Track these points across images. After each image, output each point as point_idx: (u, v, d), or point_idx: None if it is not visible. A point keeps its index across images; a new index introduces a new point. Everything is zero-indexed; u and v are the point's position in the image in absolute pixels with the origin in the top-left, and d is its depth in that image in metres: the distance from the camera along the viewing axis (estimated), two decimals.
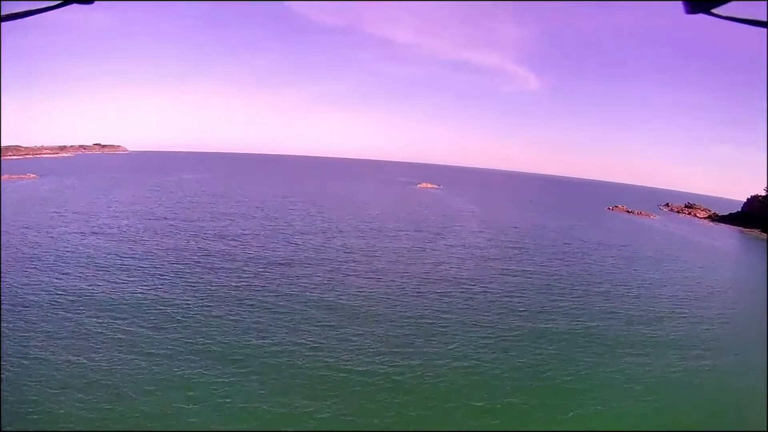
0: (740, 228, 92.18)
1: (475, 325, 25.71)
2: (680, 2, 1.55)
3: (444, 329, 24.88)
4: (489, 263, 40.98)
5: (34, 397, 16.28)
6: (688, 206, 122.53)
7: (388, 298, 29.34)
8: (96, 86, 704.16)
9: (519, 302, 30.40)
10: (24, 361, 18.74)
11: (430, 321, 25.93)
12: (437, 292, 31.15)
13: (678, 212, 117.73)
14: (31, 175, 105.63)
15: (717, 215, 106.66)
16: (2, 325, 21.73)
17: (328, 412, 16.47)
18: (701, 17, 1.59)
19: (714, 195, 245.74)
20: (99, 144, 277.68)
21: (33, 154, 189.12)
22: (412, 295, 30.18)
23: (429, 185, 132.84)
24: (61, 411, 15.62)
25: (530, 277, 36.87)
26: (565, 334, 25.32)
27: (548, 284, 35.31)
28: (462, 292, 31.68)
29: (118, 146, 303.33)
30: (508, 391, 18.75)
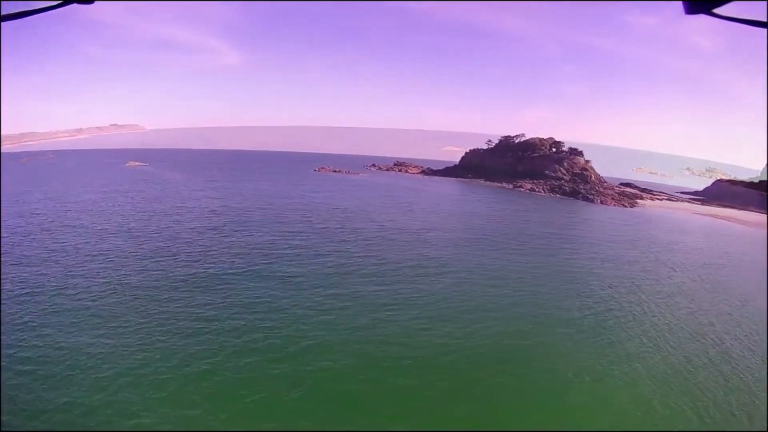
0: (456, 178, 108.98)
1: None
2: (680, 2, 1.65)
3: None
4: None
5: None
6: (398, 164, 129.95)
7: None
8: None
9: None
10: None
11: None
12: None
13: (387, 170, 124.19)
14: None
15: (430, 170, 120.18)
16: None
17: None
18: (701, 17, 1.68)
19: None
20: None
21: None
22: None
23: (137, 163, 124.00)
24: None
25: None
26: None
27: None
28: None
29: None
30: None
